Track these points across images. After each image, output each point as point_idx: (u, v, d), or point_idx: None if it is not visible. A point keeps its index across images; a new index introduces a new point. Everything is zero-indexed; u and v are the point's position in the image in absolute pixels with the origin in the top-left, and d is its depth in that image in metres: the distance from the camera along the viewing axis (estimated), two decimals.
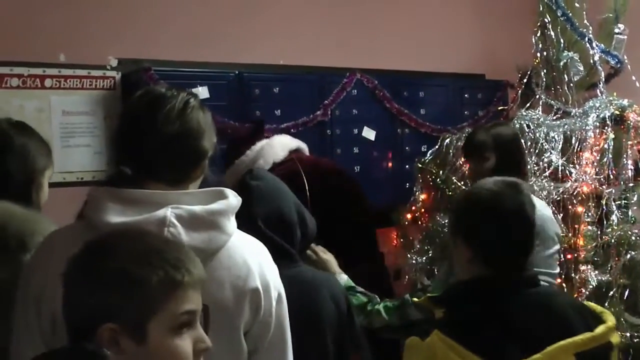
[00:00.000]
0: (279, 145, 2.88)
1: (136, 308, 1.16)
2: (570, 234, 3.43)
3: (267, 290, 1.52)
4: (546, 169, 3.62)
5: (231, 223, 1.50)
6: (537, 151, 3.69)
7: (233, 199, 1.51)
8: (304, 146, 3.06)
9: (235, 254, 1.50)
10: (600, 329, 1.61)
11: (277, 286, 1.55)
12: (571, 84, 4.02)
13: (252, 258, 1.52)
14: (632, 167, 3.57)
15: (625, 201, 3.51)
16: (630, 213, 3.53)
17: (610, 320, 1.68)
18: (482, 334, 1.58)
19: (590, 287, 3.32)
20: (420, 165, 3.96)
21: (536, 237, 1.81)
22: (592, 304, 1.80)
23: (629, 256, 3.33)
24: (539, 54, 4.12)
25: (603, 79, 3.98)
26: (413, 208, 3.88)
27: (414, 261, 3.71)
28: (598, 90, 3.94)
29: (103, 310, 1.15)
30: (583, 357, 1.55)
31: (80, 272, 1.18)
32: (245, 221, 1.63)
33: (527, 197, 1.73)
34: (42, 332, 1.44)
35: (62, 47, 3.91)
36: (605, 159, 3.55)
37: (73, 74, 3.95)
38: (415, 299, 2.00)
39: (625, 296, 3.30)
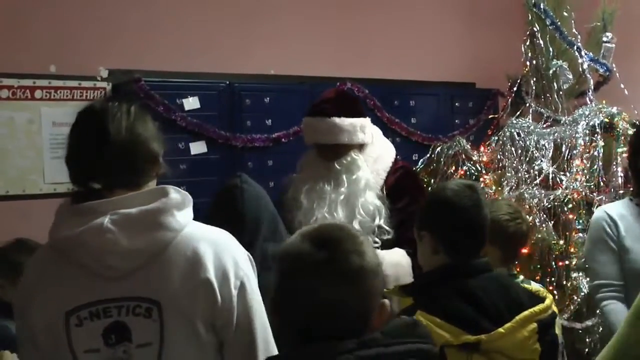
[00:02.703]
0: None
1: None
2: (561, 242, 3.44)
3: (224, 279, 1.52)
4: (537, 177, 3.64)
5: (177, 219, 1.51)
6: (527, 159, 3.71)
7: (175, 195, 1.53)
8: None
9: (184, 248, 1.51)
10: (548, 301, 1.90)
11: (239, 275, 1.54)
12: (561, 92, 4.05)
13: (204, 249, 1.52)
14: (622, 175, 3.58)
15: None
16: None
17: (549, 296, 1.96)
18: (458, 309, 1.80)
19: (582, 294, 3.32)
20: None
21: None
22: (532, 287, 2.08)
23: None
24: (528, 63, 4.15)
25: (592, 87, 4.01)
26: None
27: None
28: (587, 98, 3.97)
29: (377, 295, 1.37)
30: (542, 324, 1.83)
31: (348, 278, 1.33)
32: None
33: (482, 195, 2.00)
34: (31, 342, 1.55)
35: (52, 58, 3.90)
36: (595, 167, 3.57)
37: (63, 85, 3.94)
38: (385, 289, 2.21)
39: None
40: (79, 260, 1.49)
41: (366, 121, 2.90)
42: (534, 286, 2.17)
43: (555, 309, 1.95)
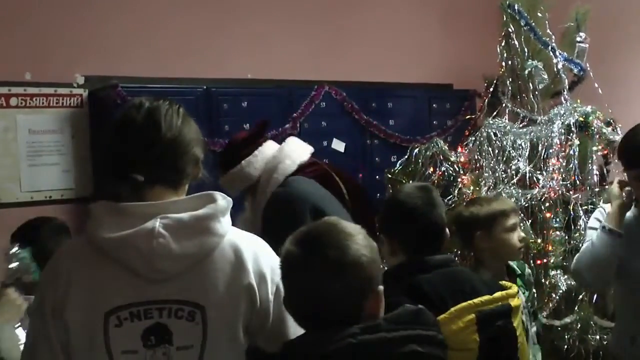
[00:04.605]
0: (299, 146, 2.84)
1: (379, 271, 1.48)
2: (539, 240, 3.47)
3: (262, 283, 1.56)
4: (514, 176, 3.67)
5: (222, 225, 1.54)
6: (504, 159, 3.74)
7: (222, 202, 1.56)
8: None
9: (228, 253, 1.54)
10: (497, 294, 1.90)
11: (275, 280, 1.58)
12: (536, 92, 4.08)
13: (246, 254, 1.56)
14: (598, 173, 3.63)
15: (592, 206, 3.53)
16: None
17: (513, 288, 1.97)
18: (400, 304, 1.76)
19: (560, 291, 3.36)
20: (390, 176, 3.99)
21: None
22: (505, 282, 2.07)
23: None
24: (504, 63, 4.18)
25: (567, 87, 4.04)
26: None
27: None
28: (562, 98, 4.00)
29: (370, 284, 1.44)
30: (483, 316, 1.83)
31: (330, 271, 1.41)
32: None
33: (435, 195, 2.05)
34: (61, 342, 1.51)
35: (27, 66, 3.88)
36: (571, 165, 3.60)
37: (39, 93, 3.92)
38: None
39: (594, 300, 3.34)
40: (125, 262, 1.48)
41: (247, 163, 2.74)
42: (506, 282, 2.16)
43: (515, 302, 1.95)
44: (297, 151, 2.76)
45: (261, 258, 1.58)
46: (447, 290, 1.87)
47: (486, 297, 1.86)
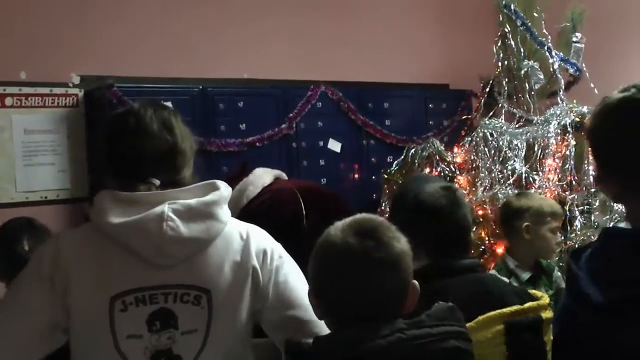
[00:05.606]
0: (264, 172, 2.92)
1: None
2: None
3: (264, 263, 1.61)
4: (510, 177, 3.67)
5: (224, 211, 1.61)
6: (500, 159, 3.74)
7: (225, 190, 1.62)
8: (284, 174, 3.07)
9: (232, 239, 1.60)
10: (528, 304, 1.78)
11: (274, 257, 1.63)
12: (532, 92, 4.08)
13: (248, 239, 1.61)
14: (594, 173, 3.63)
15: (588, 206, 3.55)
16: (592, 218, 3.57)
17: (544, 299, 1.84)
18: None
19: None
20: (386, 176, 3.99)
21: None
22: (536, 291, 1.95)
23: None
24: (500, 64, 4.18)
25: (563, 87, 4.05)
26: None
27: None
28: (558, 98, 4.00)
29: (411, 275, 1.44)
30: (512, 326, 1.72)
31: (392, 264, 1.40)
32: None
33: (459, 195, 1.96)
34: (57, 313, 1.51)
35: (22, 65, 3.87)
36: (567, 166, 3.60)
37: (34, 92, 3.91)
38: None
39: None
40: (132, 247, 1.50)
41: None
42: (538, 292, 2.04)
43: (546, 314, 1.81)
44: (260, 177, 2.84)
45: (262, 241, 1.64)
46: (472, 297, 1.76)
47: (516, 307, 1.75)
